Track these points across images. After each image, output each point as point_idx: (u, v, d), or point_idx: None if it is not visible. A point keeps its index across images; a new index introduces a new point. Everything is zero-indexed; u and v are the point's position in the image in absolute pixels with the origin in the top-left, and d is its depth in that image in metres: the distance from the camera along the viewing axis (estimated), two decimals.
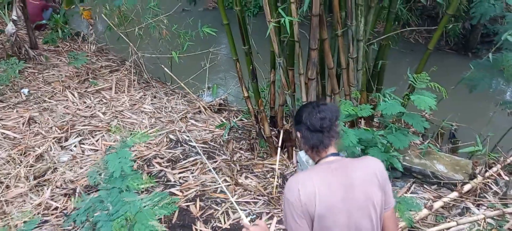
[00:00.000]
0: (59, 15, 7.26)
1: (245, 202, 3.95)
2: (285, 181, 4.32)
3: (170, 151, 4.73)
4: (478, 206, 3.78)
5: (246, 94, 4.74)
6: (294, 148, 4.74)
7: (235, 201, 3.89)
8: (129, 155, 2.97)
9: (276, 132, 4.89)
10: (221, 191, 4.08)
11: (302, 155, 3.96)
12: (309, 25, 3.90)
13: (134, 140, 4.14)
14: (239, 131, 5.32)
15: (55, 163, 4.30)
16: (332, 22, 4.17)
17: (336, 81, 4.32)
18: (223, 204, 3.89)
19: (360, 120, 4.51)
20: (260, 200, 3.99)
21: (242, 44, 4.54)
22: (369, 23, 4.11)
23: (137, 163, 4.47)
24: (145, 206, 2.60)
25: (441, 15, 8.53)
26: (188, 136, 5.02)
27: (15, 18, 5.91)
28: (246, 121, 5.44)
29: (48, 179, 4.09)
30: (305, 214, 1.73)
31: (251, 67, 4.50)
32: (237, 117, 5.58)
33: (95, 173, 3.57)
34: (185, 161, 4.58)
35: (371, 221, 1.77)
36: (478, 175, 4.05)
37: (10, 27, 5.86)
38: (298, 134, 1.92)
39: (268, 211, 3.83)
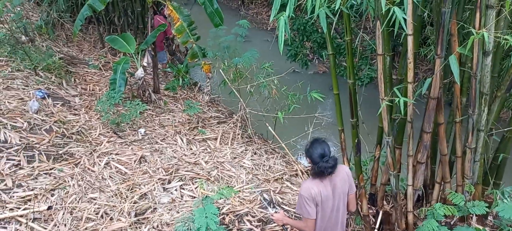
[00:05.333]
0: (182, 65, 7.93)
1: None
2: None
3: (262, 210, 4.70)
4: None
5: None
6: None
7: None
8: (216, 211, 3.01)
9: (374, 211, 4.60)
10: None
11: None
12: (424, 105, 3.69)
13: (221, 195, 4.18)
14: None
15: (155, 203, 4.53)
16: (450, 106, 3.90)
17: (448, 169, 3.98)
18: None
19: (471, 216, 4.05)
20: None
21: (349, 116, 4.44)
22: (492, 113, 3.76)
23: (229, 217, 4.51)
24: None
25: None
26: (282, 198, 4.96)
27: (145, 64, 6.58)
28: None
29: (147, 217, 4.30)
30: (314, 202, 2.94)
31: (356, 141, 4.36)
32: None
33: (183, 226, 3.66)
34: (275, 224, 4.50)
35: (343, 203, 3.11)
36: None
37: (140, 72, 6.54)
38: (308, 161, 3.03)
39: None
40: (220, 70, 7.00)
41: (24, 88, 6.12)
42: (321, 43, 8.48)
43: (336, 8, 3.05)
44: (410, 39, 3.19)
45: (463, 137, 3.83)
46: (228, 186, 4.97)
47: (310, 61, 9.74)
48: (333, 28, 3.72)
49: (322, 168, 2.87)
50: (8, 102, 5.67)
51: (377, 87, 3.70)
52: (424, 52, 6.49)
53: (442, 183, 4.03)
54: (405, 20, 2.95)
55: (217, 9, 6.37)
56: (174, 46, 9.04)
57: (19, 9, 7.52)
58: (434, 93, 3.44)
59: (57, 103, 6.11)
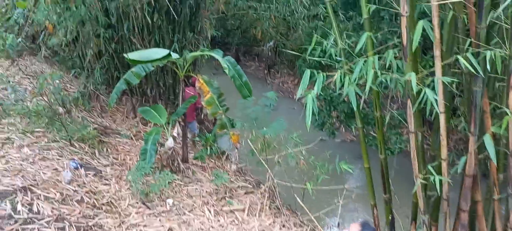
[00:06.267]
0: (210, 134, 8.05)
1: None
2: None
3: None
4: None
5: None
6: None
7: None
8: None
9: None
10: None
11: None
12: (459, 176, 3.60)
13: None
14: None
15: None
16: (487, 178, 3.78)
17: None
18: None
19: None
20: None
21: (381, 189, 4.36)
22: None
23: None
24: None
25: None
26: None
27: (175, 135, 6.72)
28: None
29: None
30: None
31: (390, 217, 4.24)
32: None
33: None
34: None
35: None
36: None
37: (170, 142, 6.67)
38: None
39: None
40: (248, 140, 7.08)
41: (58, 159, 6.30)
42: (348, 113, 8.51)
43: (366, 88, 3.10)
44: (442, 117, 3.17)
45: (503, 213, 3.68)
46: None
47: (337, 129, 9.74)
48: (362, 101, 3.76)
49: None
50: (43, 173, 5.83)
51: (408, 156, 3.65)
52: (454, 123, 6.39)
53: None
54: (436, 100, 2.95)
55: (246, 82, 6.56)
56: (202, 115, 9.24)
57: (58, 82, 7.92)
58: (469, 171, 3.35)
59: (89, 174, 6.23)
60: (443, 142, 3.33)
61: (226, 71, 6.40)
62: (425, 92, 2.88)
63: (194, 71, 8.47)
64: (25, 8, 9.54)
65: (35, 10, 8.76)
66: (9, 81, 7.73)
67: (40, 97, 7.11)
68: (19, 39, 9.52)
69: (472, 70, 2.81)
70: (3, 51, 8.72)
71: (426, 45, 7.61)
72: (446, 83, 3.06)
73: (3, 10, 10.61)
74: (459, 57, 2.88)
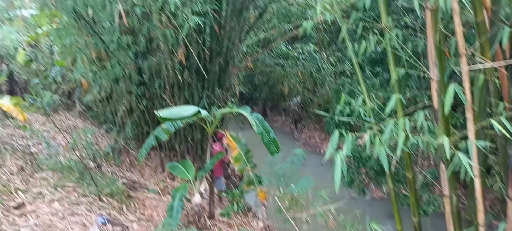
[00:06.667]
0: (237, 190, 8.01)
1: None
2: None
3: None
4: None
5: None
6: None
7: None
8: None
9: None
10: None
11: None
12: None
13: None
14: None
15: None
16: None
17: None
18: None
19: None
20: None
21: None
22: None
23: None
24: None
25: None
26: None
27: (202, 191, 6.73)
28: None
29: None
30: None
31: None
32: None
33: None
34: None
35: None
36: None
37: (197, 198, 6.67)
38: None
39: None
40: (275, 196, 6.97)
41: (87, 214, 6.36)
42: (377, 170, 8.34)
43: (397, 151, 3.05)
44: (477, 182, 3.07)
45: None
46: None
47: (366, 186, 9.52)
48: (394, 160, 3.68)
49: None
50: (71, 228, 5.89)
51: (441, 217, 3.50)
52: (490, 183, 6.15)
53: None
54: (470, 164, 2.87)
55: (274, 139, 6.58)
56: (229, 171, 9.25)
57: (90, 136, 8.16)
58: None
59: (117, 229, 6.24)
60: (480, 207, 3.19)
61: (254, 128, 6.46)
62: (458, 157, 2.81)
63: (222, 127, 8.59)
64: (63, 66, 10.05)
65: (72, 68, 9.20)
66: (44, 137, 8.01)
67: (72, 152, 7.31)
68: (56, 96, 9.95)
69: (507, 134, 2.74)
70: (40, 108, 9.10)
71: (456, 102, 7.53)
72: (481, 148, 2.98)
73: (42, 68, 11.21)
74: (493, 121, 2.83)
